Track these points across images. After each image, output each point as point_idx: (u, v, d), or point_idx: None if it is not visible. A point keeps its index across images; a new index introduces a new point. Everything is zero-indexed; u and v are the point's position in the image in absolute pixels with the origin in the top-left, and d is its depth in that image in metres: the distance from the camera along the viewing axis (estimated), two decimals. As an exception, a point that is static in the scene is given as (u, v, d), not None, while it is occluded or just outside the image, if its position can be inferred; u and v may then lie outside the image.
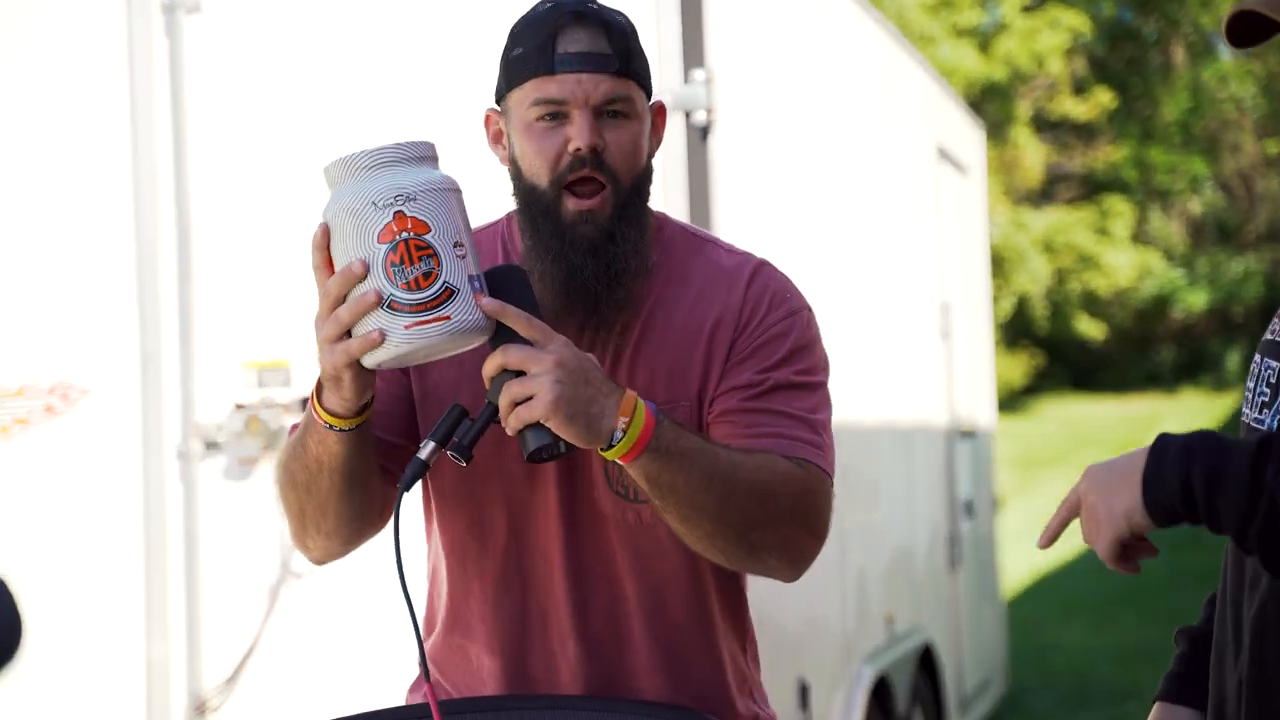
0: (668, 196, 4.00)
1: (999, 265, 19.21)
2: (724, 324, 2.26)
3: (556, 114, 2.17)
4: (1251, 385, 2.05)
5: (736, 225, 4.14)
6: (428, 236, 1.99)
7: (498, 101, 2.27)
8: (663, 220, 2.35)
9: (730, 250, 2.36)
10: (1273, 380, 2.01)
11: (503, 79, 2.24)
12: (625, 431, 2.04)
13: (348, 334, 2.01)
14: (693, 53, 4.02)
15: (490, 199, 2.41)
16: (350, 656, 4.12)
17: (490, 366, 2.02)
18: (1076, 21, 21.99)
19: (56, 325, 4.30)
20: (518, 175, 2.23)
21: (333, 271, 2.02)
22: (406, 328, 1.99)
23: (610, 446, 2.04)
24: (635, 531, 2.27)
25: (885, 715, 5.45)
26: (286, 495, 2.24)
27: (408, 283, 1.98)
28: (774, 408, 2.23)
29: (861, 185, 5.67)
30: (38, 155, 4.32)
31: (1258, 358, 2.07)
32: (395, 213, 1.98)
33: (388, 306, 1.98)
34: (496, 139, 2.28)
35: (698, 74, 4.00)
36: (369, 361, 2.01)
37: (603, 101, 2.17)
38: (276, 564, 4.18)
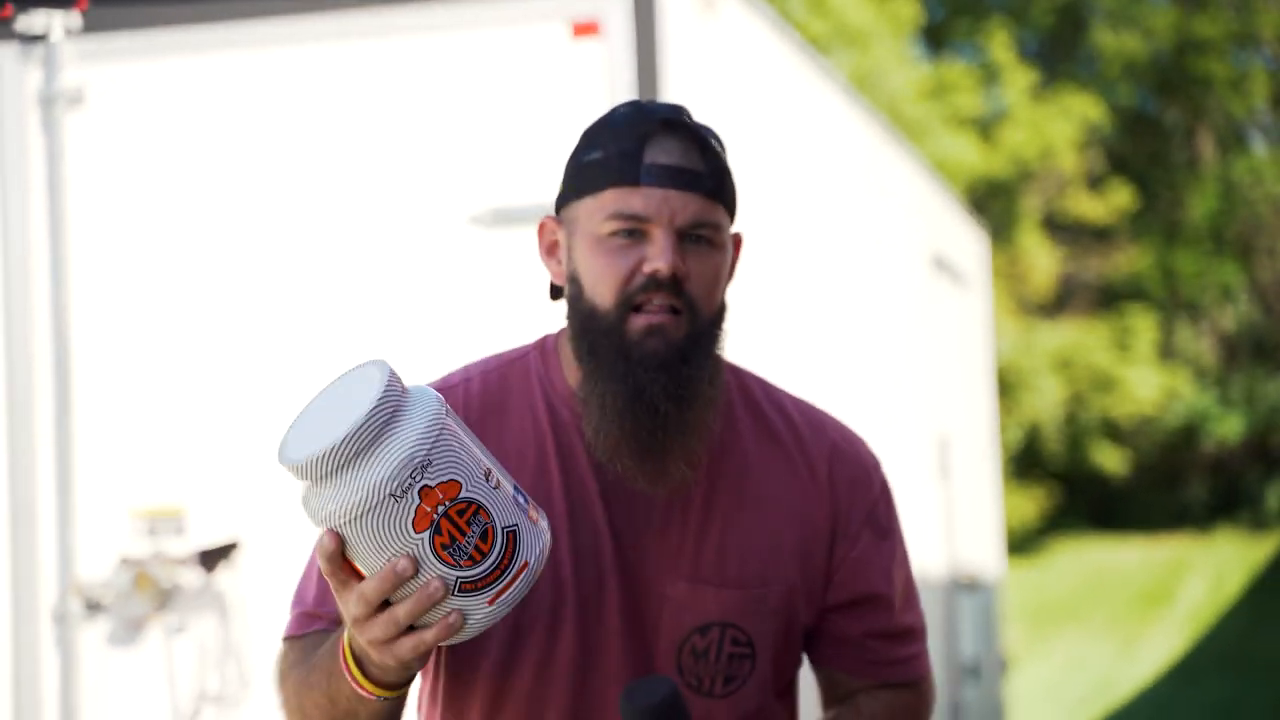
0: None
1: (1007, 388, 19.24)
2: (815, 514, 2.29)
3: (635, 231, 2.13)
4: None
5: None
6: (463, 494, 1.90)
7: (558, 210, 2.23)
8: (733, 371, 2.34)
9: (799, 404, 2.38)
10: None
11: (571, 184, 2.21)
12: None
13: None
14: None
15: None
16: None
17: None
18: (1090, 109, 22.13)
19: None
20: (577, 295, 2.18)
21: (356, 575, 1.93)
22: (490, 602, 1.94)
23: None
24: None
25: None
26: None
27: (469, 558, 1.91)
28: (881, 632, 2.34)
29: (847, 301, 5.69)
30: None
31: None
32: (420, 490, 1.88)
33: (458, 590, 1.91)
34: (550, 251, 2.25)
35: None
36: (448, 642, 1.95)
37: (689, 224, 2.14)
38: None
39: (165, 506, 4.13)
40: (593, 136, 2.21)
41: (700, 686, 2.21)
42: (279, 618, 2.28)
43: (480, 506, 1.90)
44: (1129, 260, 23.50)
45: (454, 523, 1.88)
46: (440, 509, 1.87)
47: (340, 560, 1.91)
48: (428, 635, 1.91)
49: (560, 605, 2.16)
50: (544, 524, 1.98)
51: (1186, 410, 22.38)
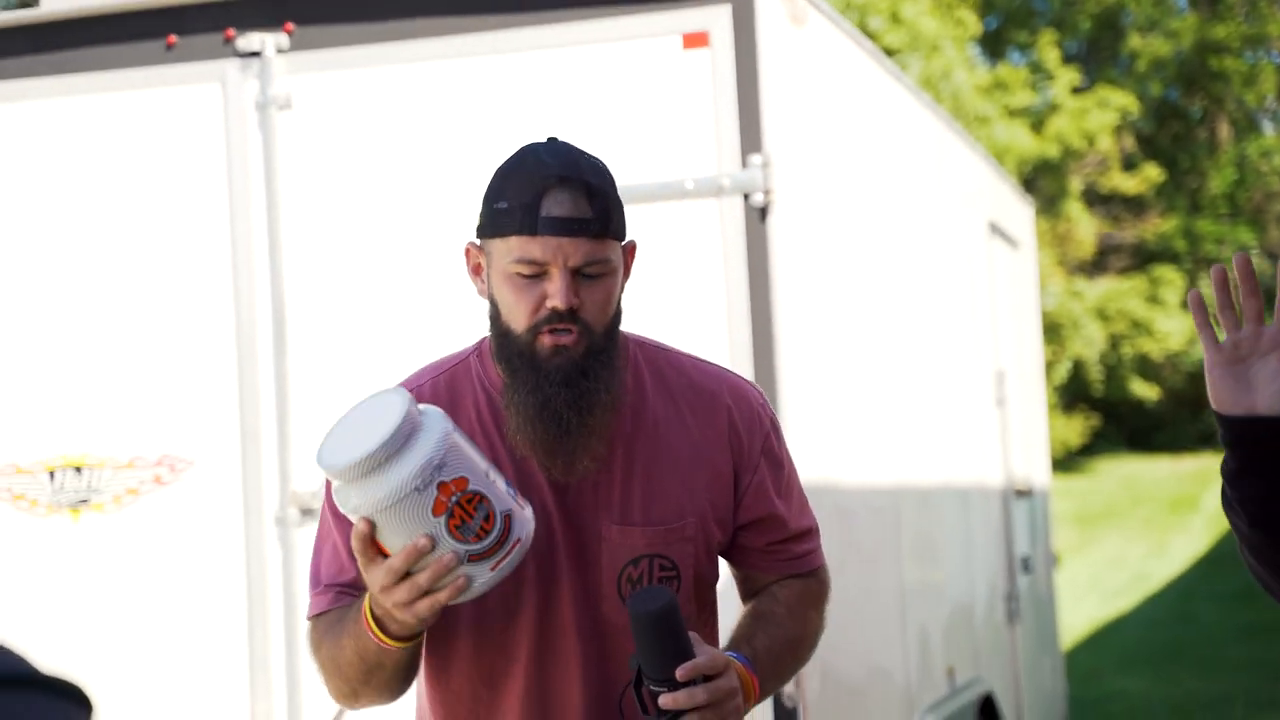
0: (728, 276, 4.01)
1: (1056, 332, 19.04)
2: (717, 459, 2.36)
3: (536, 273, 2.17)
4: None
5: (795, 302, 4.13)
6: (470, 487, 2.06)
7: (479, 237, 2.27)
8: (625, 342, 2.35)
9: (695, 364, 2.43)
10: None
11: (487, 223, 2.23)
12: (748, 702, 2.25)
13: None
14: (750, 138, 4.03)
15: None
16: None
17: (686, 701, 2.10)
18: (1125, 101, 21.86)
19: (163, 403, 4.35)
20: (496, 316, 2.24)
21: (381, 554, 2.06)
22: (492, 569, 2.09)
23: None
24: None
25: (949, 763, 5.38)
26: (334, 684, 2.30)
27: (475, 534, 2.06)
28: (783, 540, 2.42)
29: (916, 262, 5.65)
30: (145, 245, 4.39)
31: None
32: (438, 485, 2.03)
33: (466, 560, 2.06)
34: (476, 271, 2.30)
35: (755, 158, 4.01)
36: (455, 601, 2.10)
37: (581, 264, 2.18)
38: (367, 624, 4.19)
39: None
40: (500, 186, 2.23)
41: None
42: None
43: (483, 496, 2.07)
44: (1158, 225, 23.17)
45: (464, 509, 2.05)
46: (453, 498, 2.04)
47: (370, 541, 2.05)
48: (441, 596, 2.06)
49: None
50: (529, 512, 2.14)
51: (1208, 349, 21.97)
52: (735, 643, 2.33)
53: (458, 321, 4.15)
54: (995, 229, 6.96)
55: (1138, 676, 11.03)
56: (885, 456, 5.01)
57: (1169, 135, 24.36)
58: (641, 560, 2.29)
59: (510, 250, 2.18)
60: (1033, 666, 7.14)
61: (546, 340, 2.19)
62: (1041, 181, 20.52)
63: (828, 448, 4.40)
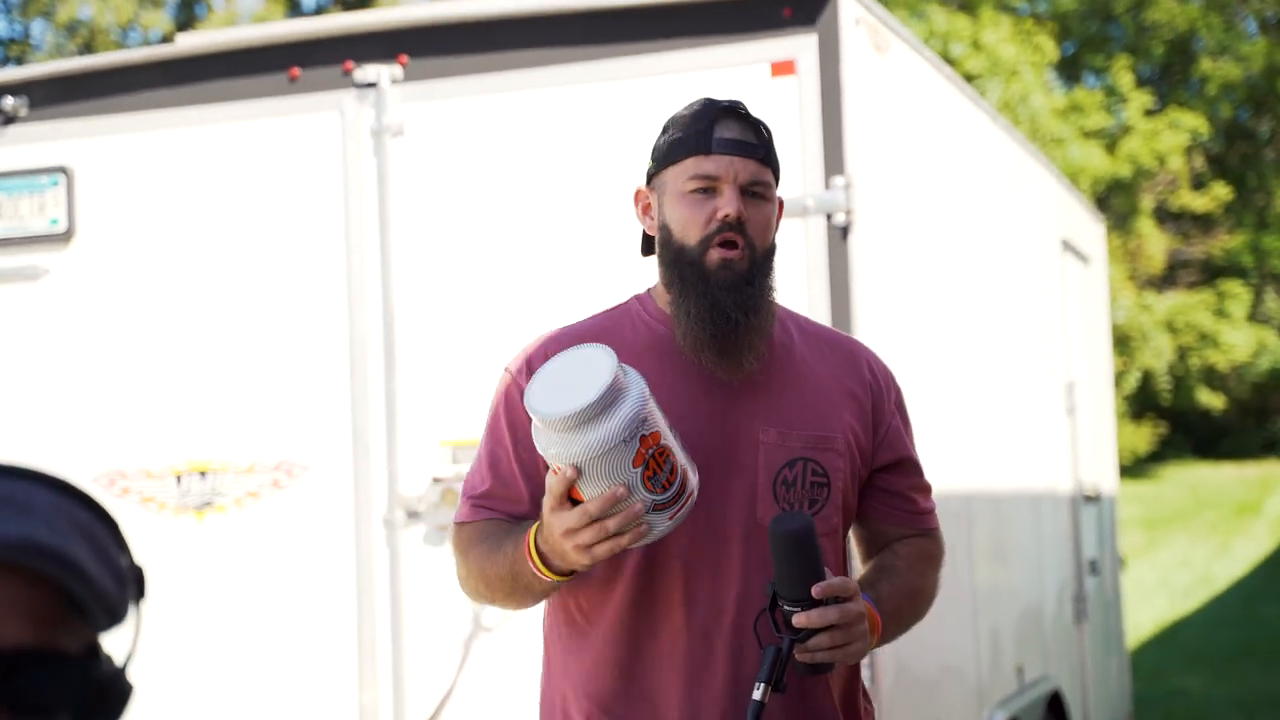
0: (811, 291, 3.98)
1: (1126, 344, 18.80)
2: (859, 394, 2.39)
3: (709, 188, 2.25)
4: None
5: (875, 315, 4.09)
6: (663, 442, 2.09)
7: (648, 182, 2.35)
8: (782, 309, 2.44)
9: (834, 330, 2.56)
10: None
11: (658, 159, 2.33)
12: (873, 636, 2.25)
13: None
14: (833, 161, 4.01)
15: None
16: (533, 701, 4.11)
17: (819, 619, 2.11)
18: (1195, 122, 21.50)
19: (281, 412, 4.38)
20: (668, 238, 2.30)
21: (571, 500, 2.08)
22: (670, 518, 2.11)
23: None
24: None
25: (1019, 756, 5.31)
26: (473, 585, 2.35)
27: (662, 486, 2.08)
28: (918, 486, 2.48)
29: (992, 277, 5.59)
30: (267, 262, 4.43)
31: None
32: (639, 438, 2.05)
33: (651, 509, 2.09)
34: (645, 211, 2.36)
35: (838, 180, 3.98)
36: (632, 546, 2.13)
37: (748, 182, 2.26)
38: (470, 620, 4.19)
39: (466, 439, 4.17)
40: (674, 123, 2.34)
41: (792, 509, 2.29)
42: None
43: (671, 450, 2.09)
44: (1225, 242, 22.78)
45: (656, 461, 2.07)
46: (650, 451, 2.06)
47: (568, 488, 2.08)
48: (623, 540, 2.08)
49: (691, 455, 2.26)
50: (695, 470, 2.15)
51: (1272, 360, 21.66)
52: (860, 587, 2.30)
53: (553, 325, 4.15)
54: (1067, 246, 6.88)
55: (1202, 675, 10.86)
56: (960, 463, 4.95)
57: (1237, 155, 23.94)
58: (796, 463, 2.30)
59: (685, 170, 2.26)
60: (1099, 665, 7.04)
61: (715, 255, 2.24)
62: (1114, 200, 20.24)
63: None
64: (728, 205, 2.23)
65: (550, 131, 4.24)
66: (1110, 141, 21.03)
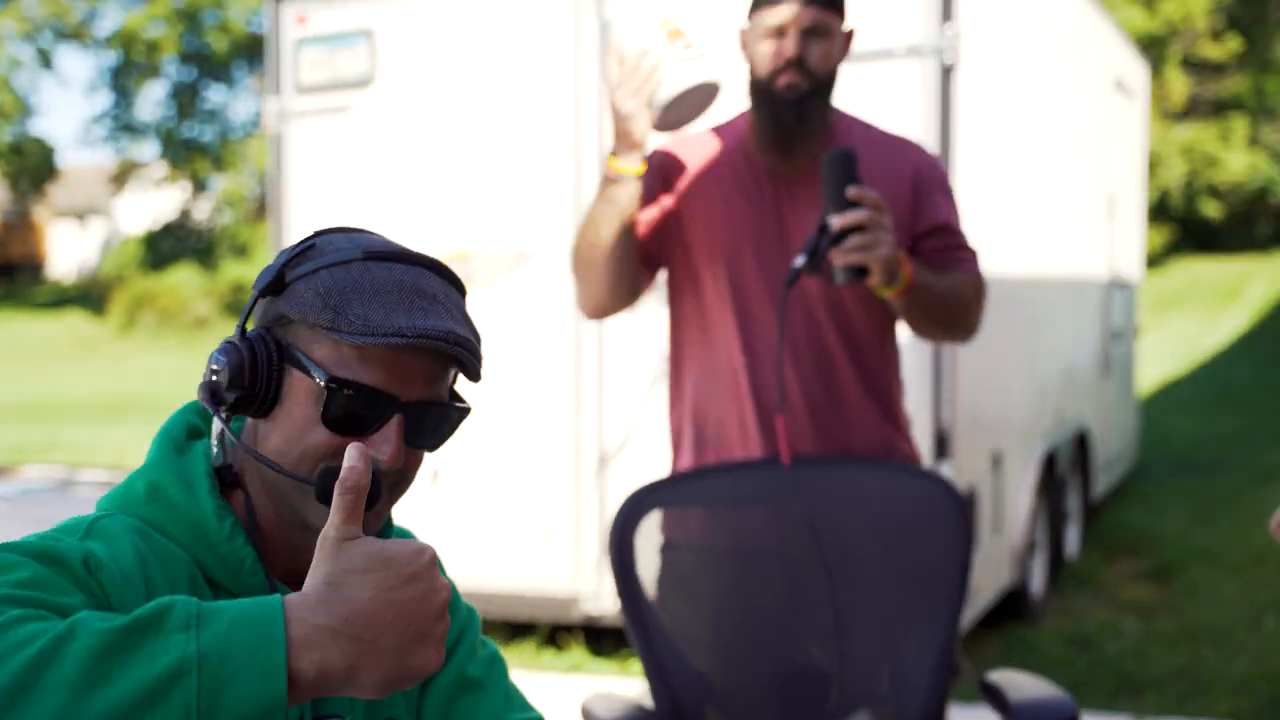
0: (925, 115, 3.77)
1: (1151, 167, 17.97)
2: (914, 170, 2.20)
3: (779, 30, 2.12)
4: None
5: (972, 137, 3.90)
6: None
7: (748, 18, 2.20)
8: (845, 114, 2.25)
9: (892, 134, 2.28)
10: None
11: (748, 8, 2.17)
12: (900, 276, 2.03)
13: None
14: (946, 11, 3.77)
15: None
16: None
17: (851, 218, 1.96)
18: (1216, -10, 20.18)
19: (517, 209, 4.33)
20: (754, 70, 2.16)
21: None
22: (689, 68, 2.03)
23: (890, 285, 2.02)
24: (838, 307, 2.20)
25: (1051, 476, 5.23)
26: (581, 249, 2.18)
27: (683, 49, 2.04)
28: (956, 244, 2.20)
29: (1060, 108, 5.29)
30: (508, 99, 4.33)
31: None
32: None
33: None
34: (744, 46, 2.19)
35: (948, 28, 3.73)
36: (655, 103, 2.04)
37: (809, 25, 2.11)
38: (654, 371, 4.16)
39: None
40: None
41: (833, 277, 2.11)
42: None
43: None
44: (1234, 84, 21.46)
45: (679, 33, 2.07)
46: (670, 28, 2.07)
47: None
48: (651, 83, 2.03)
49: (748, 223, 2.18)
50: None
51: (1263, 178, 20.61)
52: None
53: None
54: (1119, 84, 6.47)
55: (1191, 417, 10.64)
56: (1026, 258, 4.77)
57: (1251, 14, 22.35)
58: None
59: (761, 19, 2.13)
60: (1117, 409, 6.91)
61: (782, 79, 2.12)
62: (1150, 51, 19.05)
63: (986, 252, 4.16)
64: (791, 48, 2.10)
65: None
66: (1149, 2, 19.80)
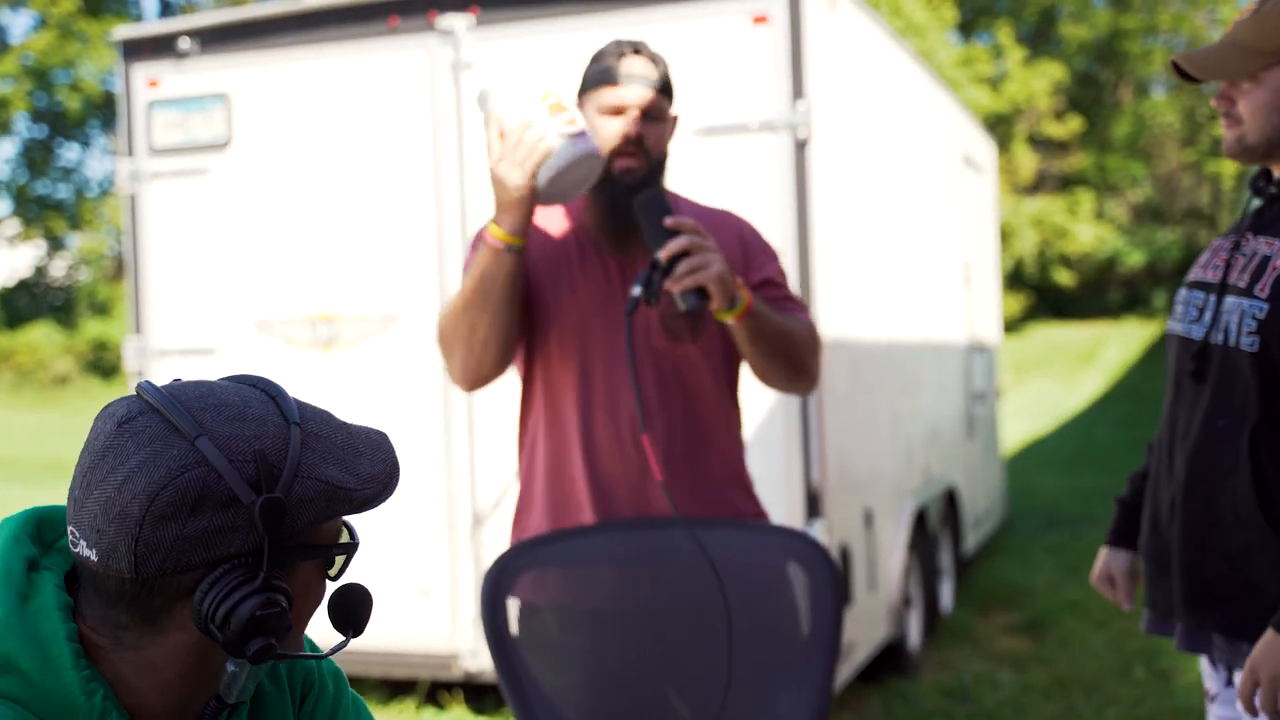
0: (780, 189, 3.88)
1: (1004, 236, 18.65)
2: (739, 235, 2.24)
3: (616, 110, 2.12)
4: (1180, 309, 2.00)
5: (826, 209, 4.01)
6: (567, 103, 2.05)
7: (579, 96, 2.21)
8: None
9: (717, 209, 2.32)
10: (1199, 304, 1.96)
11: (584, 82, 2.18)
12: (740, 299, 2.04)
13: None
14: (797, 89, 3.89)
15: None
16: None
17: (674, 246, 1.99)
18: (1058, 72, 21.21)
19: (384, 274, 4.31)
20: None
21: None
22: (573, 145, 2.01)
23: (731, 309, 2.04)
24: (680, 366, 2.19)
25: (923, 533, 5.33)
26: (458, 321, 2.11)
27: (565, 123, 2.01)
28: (784, 296, 2.22)
29: (912, 181, 5.48)
30: (370, 163, 4.33)
31: (1184, 292, 2.01)
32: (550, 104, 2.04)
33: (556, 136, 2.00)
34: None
35: (800, 104, 3.87)
36: (541, 176, 2.01)
37: (646, 108, 2.13)
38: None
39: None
40: (594, 59, 2.19)
41: (678, 338, 2.16)
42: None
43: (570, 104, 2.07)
44: (1078, 161, 22.54)
45: (561, 108, 2.04)
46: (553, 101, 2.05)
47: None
48: (535, 156, 2.00)
49: (594, 304, 2.17)
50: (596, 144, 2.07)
51: (1110, 249, 21.58)
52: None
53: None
54: (967, 160, 6.74)
55: (1055, 474, 10.94)
56: (886, 321, 4.90)
57: (1088, 97, 23.57)
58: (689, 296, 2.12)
59: (600, 97, 2.14)
60: (983, 467, 7.07)
61: (619, 164, 2.12)
62: (997, 129, 19.93)
63: (846, 315, 4.29)
64: (630, 128, 2.11)
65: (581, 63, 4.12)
66: (994, 85, 20.71)
